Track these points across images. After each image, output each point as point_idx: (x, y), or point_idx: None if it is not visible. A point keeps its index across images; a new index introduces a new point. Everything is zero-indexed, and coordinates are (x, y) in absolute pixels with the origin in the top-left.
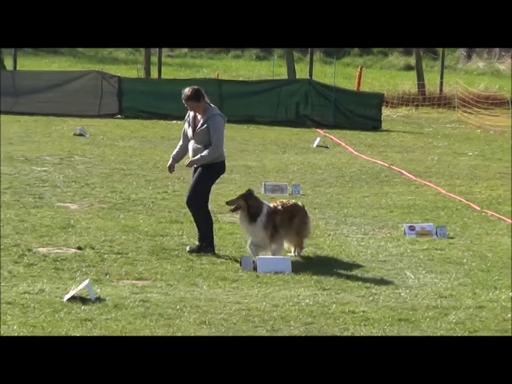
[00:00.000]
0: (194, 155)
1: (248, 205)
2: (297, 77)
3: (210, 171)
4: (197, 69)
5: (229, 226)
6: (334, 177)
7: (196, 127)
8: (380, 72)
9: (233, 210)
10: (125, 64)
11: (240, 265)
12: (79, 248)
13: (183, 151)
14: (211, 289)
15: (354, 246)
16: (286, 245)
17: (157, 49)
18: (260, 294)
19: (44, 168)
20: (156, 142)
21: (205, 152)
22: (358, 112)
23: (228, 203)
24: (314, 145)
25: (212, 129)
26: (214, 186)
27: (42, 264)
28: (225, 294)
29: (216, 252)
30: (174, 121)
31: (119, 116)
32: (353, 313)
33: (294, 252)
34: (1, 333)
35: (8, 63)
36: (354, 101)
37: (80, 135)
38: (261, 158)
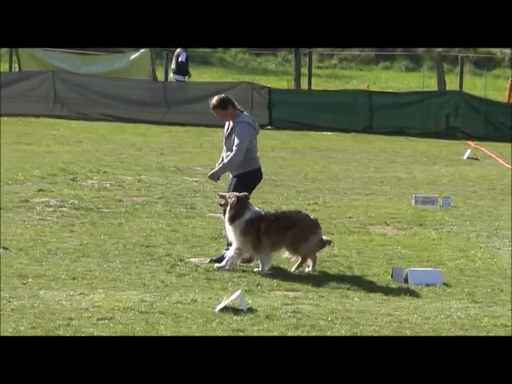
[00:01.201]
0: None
1: (231, 205)
2: (447, 89)
3: (246, 181)
4: (347, 80)
5: (380, 238)
6: (485, 190)
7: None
8: None
9: (221, 205)
10: (274, 75)
11: (391, 277)
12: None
13: None
14: (362, 300)
15: (506, 259)
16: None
17: (307, 60)
18: (411, 306)
19: (195, 179)
20: (306, 152)
21: (225, 160)
22: (509, 124)
23: (219, 196)
24: (465, 157)
25: (235, 136)
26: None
27: (194, 274)
28: (377, 305)
29: (367, 263)
30: (324, 132)
31: (269, 126)
32: (505, 326)
33: (298, 267)
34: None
35: (160, 74)
36: (505, 112)
37: None
38: (411, 169)
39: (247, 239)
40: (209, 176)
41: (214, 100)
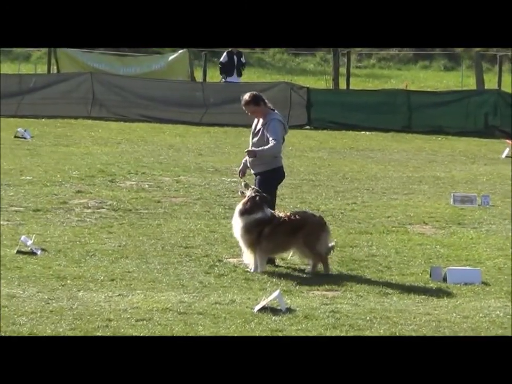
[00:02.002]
0: (251, 161)
1: (246, 200)
2: (485, 88)
3: (269, 178)
4: (385, 79)
5: (418, 237)
6: None
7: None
8: None
9: (242, 193)
10: (313, 75)
11: (430, 276)
12: (269, 259)
13: None
14: (401, 300)
15: None
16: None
17: (345, 60)
18: (450, 305)
19: (233, 179)
20: (344, 153)
21: (266, 146)
22: None
23: (243, 184)
24: (503, 155)
25: (268, 131)
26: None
27: (232, 274)
28: (415, 305)
29: (405, 263)
30: (363, 132)
31: (307, 126)
32: None
33: (312, 269)
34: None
35: (198, 75)
36: None
37: None
38: (450, 168)
39: (246, 237)
40: (247, 151)
41: (247, 95)
